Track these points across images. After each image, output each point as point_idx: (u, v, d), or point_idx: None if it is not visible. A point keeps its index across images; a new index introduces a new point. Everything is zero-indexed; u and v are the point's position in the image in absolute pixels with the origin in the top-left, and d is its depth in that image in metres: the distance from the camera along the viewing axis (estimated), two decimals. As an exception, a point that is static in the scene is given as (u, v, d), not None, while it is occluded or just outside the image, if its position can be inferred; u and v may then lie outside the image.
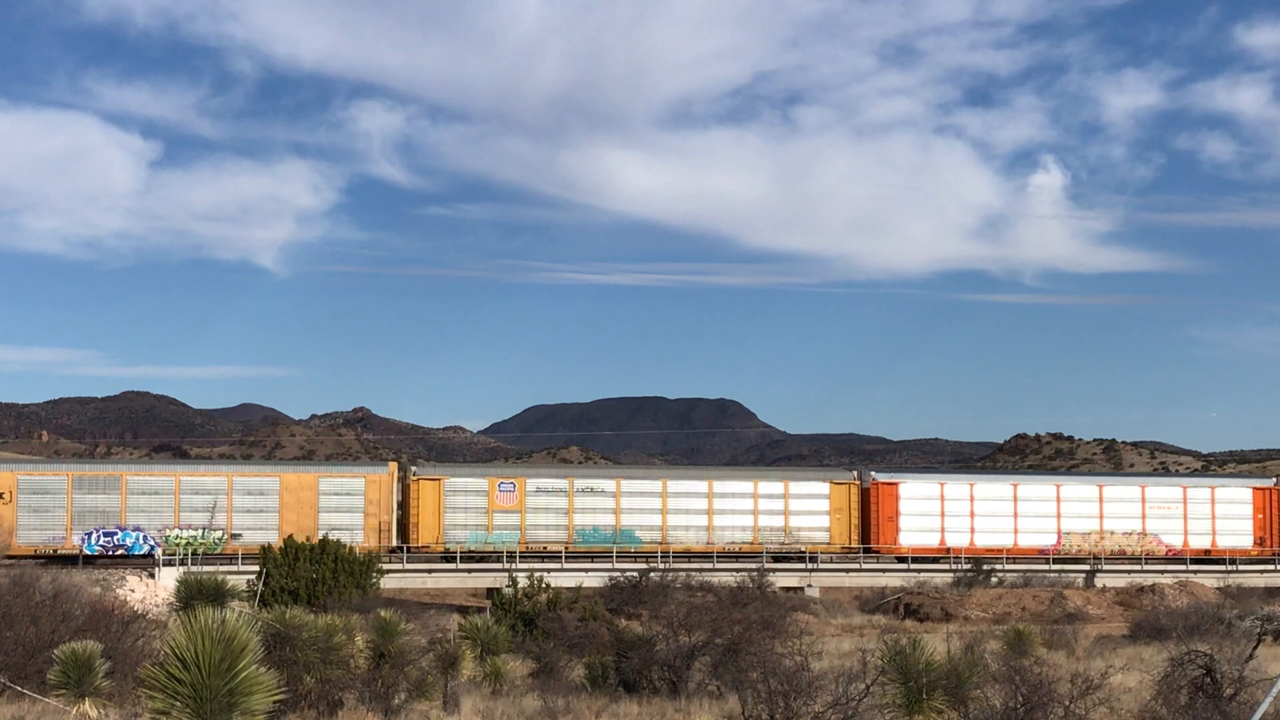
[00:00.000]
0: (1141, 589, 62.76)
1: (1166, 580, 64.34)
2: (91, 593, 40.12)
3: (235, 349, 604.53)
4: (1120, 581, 65.27)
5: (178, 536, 61.23)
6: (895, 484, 68.05)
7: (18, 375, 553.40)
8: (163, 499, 61.91)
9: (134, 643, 25.89)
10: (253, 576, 51.11)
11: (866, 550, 66.90)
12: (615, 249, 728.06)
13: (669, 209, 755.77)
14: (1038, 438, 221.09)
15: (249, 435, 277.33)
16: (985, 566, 64.58)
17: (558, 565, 61.42)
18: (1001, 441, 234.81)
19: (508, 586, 49.23)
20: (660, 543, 65.24)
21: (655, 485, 66.60)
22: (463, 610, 54.47)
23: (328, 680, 22.36)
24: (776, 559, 65.27)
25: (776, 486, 67.25)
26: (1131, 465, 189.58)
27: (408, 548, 62.56)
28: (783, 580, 62.74)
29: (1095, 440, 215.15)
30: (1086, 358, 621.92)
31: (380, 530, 62.96)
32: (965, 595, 60.42)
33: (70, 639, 20.67)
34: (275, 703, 11.83)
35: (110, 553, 60.56)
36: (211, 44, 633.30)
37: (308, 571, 51.46)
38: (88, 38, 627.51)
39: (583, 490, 65.44)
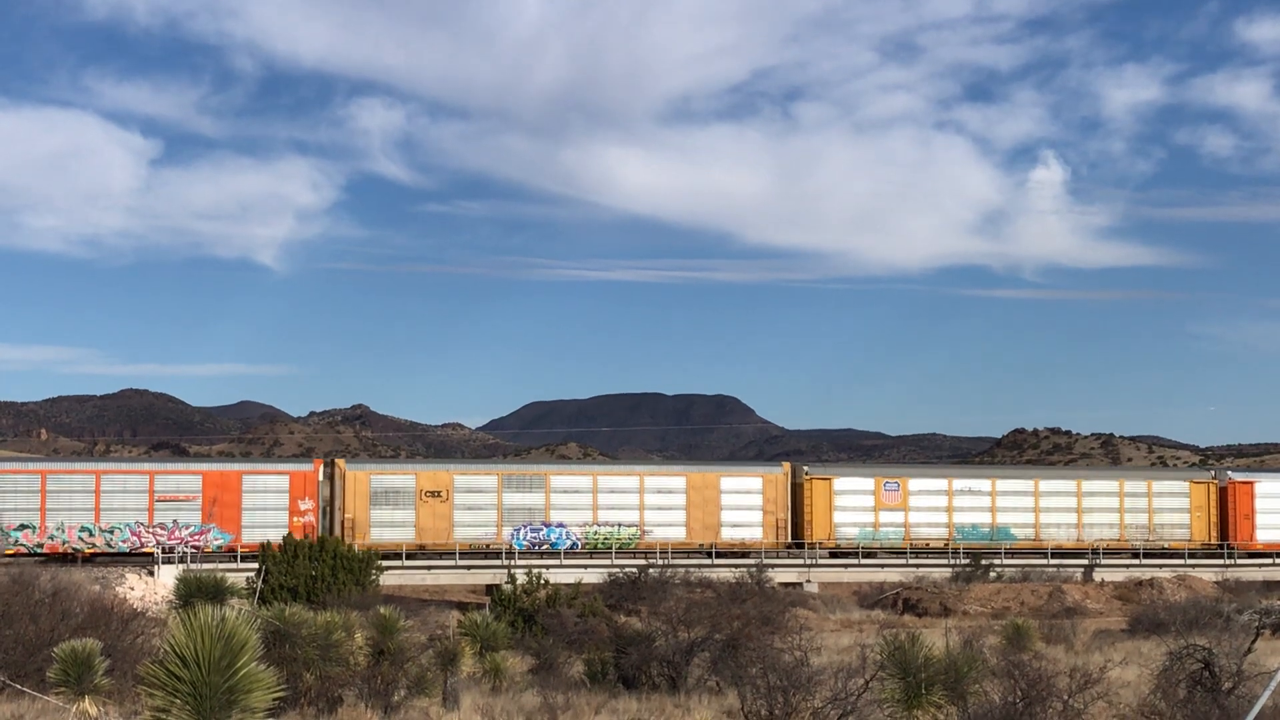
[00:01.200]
0: (1140, 583, 62.89)
1: (1165, 574, 64.57)
2: (91, 590, 40.15)
3: (234, 347, 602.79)
4: (1119, 576, 65.51)
5: (595, 532, 63.72)
6: (1251, 483, 70.97)
7: (16, 374, 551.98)
8: (583, 497, 64.33)
9: (133, 640, 25.88)
10: (252, 574, 51.10)
11: (1224, 547, 69.50)
12: (615, 245, 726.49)
13: (669, 205, 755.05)
14: (1035, 433, 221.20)
15: (247, 433, 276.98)
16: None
17: (941, 561, 65.69)
18: (999, 437, 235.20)
19: (507, 583, 49.27)
20: (1034, 539, 68.34)
21: (1028, 485, 69.74)
22: (462, 607, 54.54)
23: (327, 677, 22.39)
24: (1135, 555, 68.52)
25: (1140, 485, 70.77)
26: (1129, 460, 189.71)
27: (802, 544, 65.64)
28: (781, 576, 63.08)
29: (1093, 435, 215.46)
30: (1085, 352, 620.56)
31: (777, 527, 65.85)
32: (964, 590, 60.55)
33: (70, 637, 20.67)
34: (275, 700, 11.84)
35: (536, 548, 62.60)
36: (212, 42, 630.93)
37: (307, 569, 51.45)
38: (88, 36, 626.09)
39: (961, 490, 68.48)
